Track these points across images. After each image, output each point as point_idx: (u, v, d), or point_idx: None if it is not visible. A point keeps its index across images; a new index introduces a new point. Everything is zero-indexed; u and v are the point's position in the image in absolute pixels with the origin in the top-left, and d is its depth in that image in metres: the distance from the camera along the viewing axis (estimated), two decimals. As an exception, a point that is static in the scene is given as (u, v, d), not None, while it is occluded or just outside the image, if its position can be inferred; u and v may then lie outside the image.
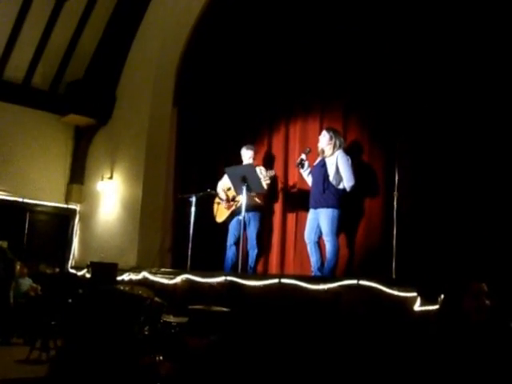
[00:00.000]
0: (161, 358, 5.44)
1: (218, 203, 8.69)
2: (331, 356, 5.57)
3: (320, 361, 5.60)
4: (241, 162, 8.56)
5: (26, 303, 9.28)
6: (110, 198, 11.35)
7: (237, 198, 8.32)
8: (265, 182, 8.02)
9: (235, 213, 8.44)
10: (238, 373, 5.63)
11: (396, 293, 5.45)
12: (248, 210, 7.78)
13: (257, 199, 8.30)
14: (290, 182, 8.64)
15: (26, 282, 9.81)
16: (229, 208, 8.50)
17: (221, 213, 8.66)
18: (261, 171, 8.18)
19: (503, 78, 6.25)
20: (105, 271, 8.04)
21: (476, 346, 3.10)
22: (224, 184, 8.63)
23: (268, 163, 8.98)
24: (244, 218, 7.76)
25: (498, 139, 6.19)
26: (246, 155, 8.51)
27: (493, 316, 3.22)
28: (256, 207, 8.37)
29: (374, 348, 5.33)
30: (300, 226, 8.19)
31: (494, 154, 6.20)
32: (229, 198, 8.51)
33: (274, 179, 8.52)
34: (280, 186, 8.75)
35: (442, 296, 3.39)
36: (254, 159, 8.53)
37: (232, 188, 8.19)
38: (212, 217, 8.80)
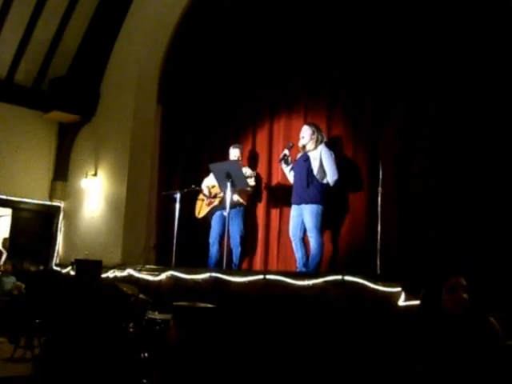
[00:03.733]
0: (146, 354, 5.44)
1: (202, 200, 8.68)
2: (316, 351, 5.58)
3: (305, 356, 5.61)
4: (225, 158, 8.55)
5: (9, 301, 9.22)
6: (95, 195, 11.30)
7: (218, 195, 8.34)
8: (250, 183, 8.04)
9: (215, 209, 8.46)
10: (224, 368, 5.63)
11: (381, 288, 5.48)
12: (231, 207, 7.76)
13: (240, 199, 8.30)
14: (274, 179, 8.65)
15: (10, 281, 9.74)
16: (209, 204, 8.52)
17: (202, 209, 8.68)
18: (246, 171, 8.19)
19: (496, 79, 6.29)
20: (89, 268, 8.01)
21: (455, 340, 3.11)
22: (209, 181, 8.62)
23: (252, 160, 8.99)
24: (227, 217, 7.73)
25: (482, 136, 6.23)
26: (232, 154, 8.51)
27: (471, 310, 3.24)
28: (239, 205, 8.37)
29: (359, 343, 5.35)
30: (284, 222, 8.21)
31: (478, 149, 6.24)
32: (211, 194, 8.51)
33: (257, 179, 8.55)
34: (263, 186, 8.75)
35: (422, 291, 3.40)
36: (240, 157, 8.51)
37: (216, 185, 8.20)
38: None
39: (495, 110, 6.13)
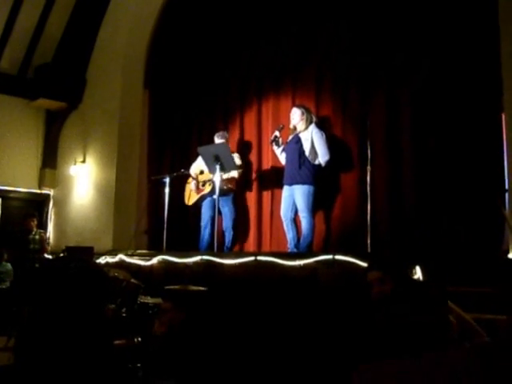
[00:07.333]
0: (138, 339, 5.43)
1: (190, 185, 8.68)
2: (309, 331, 5.60)
3: (298, 336, 5.63)
4: (214, 141, 8.52)
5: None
6: (84, 181, 11.26)
7: (207, 184, 8.32)
8: (237, 172, 8.06)
9: (205, 196, 8.44)
10: (216, 351, 5.65)
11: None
12: (221, 193, 7.74)
13: (229, 185, 8.28)
14: (264, 161, 8.63)
15: (7, 268, 9.63)
16: (198, 193, 8.50)
17: (191, 196, 8.66)
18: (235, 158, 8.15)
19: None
20: (81, 255, 7.99)
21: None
22: (197, 167, 8.59)
23: (242, 142, 8.97)
24: (217, 201, 7.72)
25: (470, 112, 6.25)
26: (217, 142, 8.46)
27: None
28: (229, 190, 8.35)
29: (350, 321, 5.37)
30: (275, 204, 8.21)
31: (466, 127, 6.27)
32: (199, 183, 8.48)
33: (247, 165, 8.53)
34: (254, 173, 8.75)
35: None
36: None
37: (205, 170, 8.18)
38: (186, 197, 8.80)
39: (479, 86, 6.18)
